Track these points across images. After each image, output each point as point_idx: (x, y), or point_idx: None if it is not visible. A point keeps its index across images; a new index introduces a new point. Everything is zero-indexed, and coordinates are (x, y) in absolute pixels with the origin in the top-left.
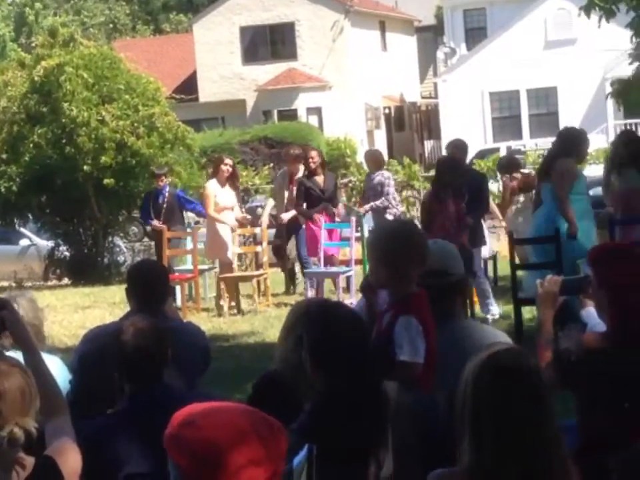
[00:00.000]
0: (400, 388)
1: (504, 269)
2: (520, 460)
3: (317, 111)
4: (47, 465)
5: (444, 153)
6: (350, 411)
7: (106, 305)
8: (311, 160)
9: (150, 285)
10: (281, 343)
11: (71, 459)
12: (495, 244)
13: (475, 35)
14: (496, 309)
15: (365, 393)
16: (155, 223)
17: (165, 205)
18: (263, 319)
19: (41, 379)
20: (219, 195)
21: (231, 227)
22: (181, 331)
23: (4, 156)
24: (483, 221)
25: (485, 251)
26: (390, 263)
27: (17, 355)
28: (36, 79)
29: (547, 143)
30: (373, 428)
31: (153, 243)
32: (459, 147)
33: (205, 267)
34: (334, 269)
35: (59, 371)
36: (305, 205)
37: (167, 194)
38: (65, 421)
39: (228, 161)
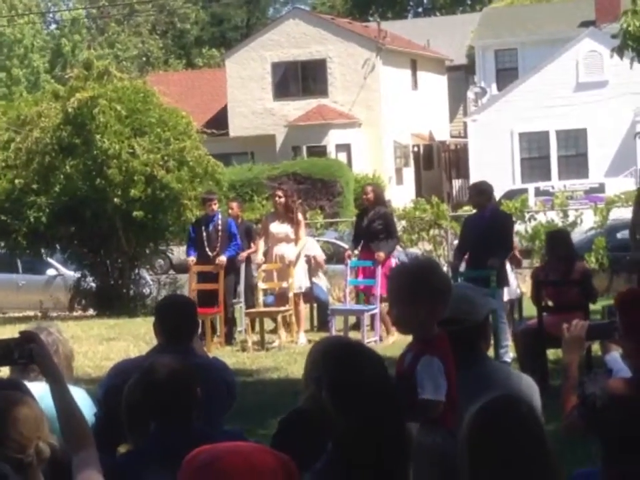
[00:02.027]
0: (421, 428)
1: (530, 310)
2: None
3: (346, 147)
4: None
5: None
6: (371, 451)
7: (131, 337)
8: (364, 195)
9: (178, 321)
10: (304, 382)
11: None
12: (520, 285)
13: (506, 75)
14: (509, 356)
15: (386, 433)
16: (192, 258)
17: (220, 233)
18: (287, 355)
19: (68, 412)
20: (273, 226)
21: (257, 263)
22: (208, 367)
23: (34, 186)
24: (507, 262)
25: (508, 292)
26: (412, 304)
27: (43, 387)
28: (69, 110)
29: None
30: (395, 468)
31: (179, 276)
32: (482, 192)
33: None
34: (358, 307)
35: (84, 403)
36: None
37: (219, 221)
38: (92, 454)
39: (279, 192)
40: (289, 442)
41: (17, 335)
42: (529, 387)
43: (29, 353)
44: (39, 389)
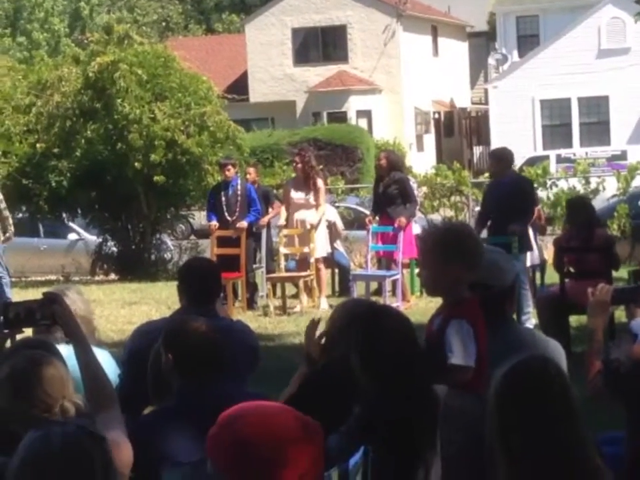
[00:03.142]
0: (449, 391)
1: (552, 277)
2: (551, 469)
3: (366, 114)
4: None
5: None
6: (399, 413)
7: (152, 302)
8: (377, 161)
9: (201, 283)
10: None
11: (123, 452)
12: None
13: (528, 41)
14: (531, 322)
15: (414, 396)
16: (213, 222)
17: (238, 198)
18: (308, 320)
19: (91, 372)
20: (293, 192)
21: (278, 226)
22: (231, 329)
23: (56, 150)
24: (530, 228)
25: (531, 258)
26: (443, 266)
27: (67, 348)
28: (90, 75)
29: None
30: (423, 431)
31: (200, 241)
32: (501, 159)
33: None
34: (380, 272)
35: (108, 364)
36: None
37: (238, 186)
38: (116, 414)
39: (296, 158)
40: (311, 402)
41: (39, 297)
42: (556, 351)
43: (52, 314)
44: (63, 351)
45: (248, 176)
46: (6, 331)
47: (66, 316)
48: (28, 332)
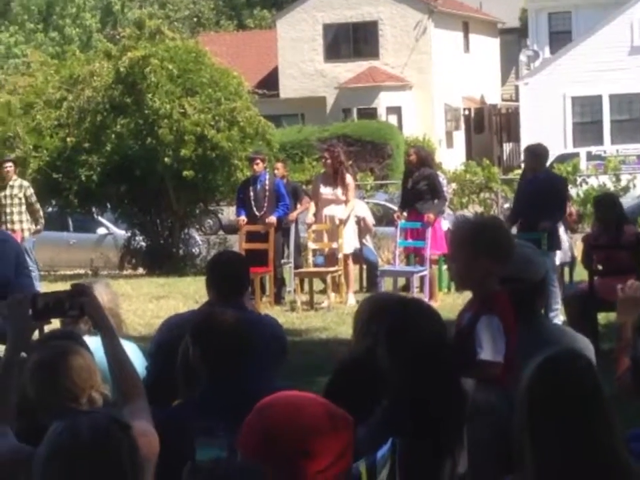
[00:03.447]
0: (477, 386)
1: (580, 275)
2: (579, 464)
3: (396, 110)
4: None
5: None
6: (427, 407)
7: (180, 296)
8: (408, 157)
9: (230, 276)
10: (354, 337)
11: (149, 442)
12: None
13: (559, 38)
14: (559, 319)
15: (442, 390)
16: (242, 217)
17: (267, 193)
18: (335, 315)
19: (119, 363)
20: (322, 188)
21: (307, 223)
22: (259, 322)
23: (86, 145)
24: (560, 225)
25: (560, 256)
26: (474, 259)
27: (94, 340)
28: (121, 69)
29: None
30: (450, 425)
31: (229, 237)
32: (538, 156)
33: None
34: (408, 268)
35: (135, 357)
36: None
37: (266, 181)
38: (143, 405)
39: (326, 154)
40: (341, 396)
41: (68, 288)
42: (585, 346)
43: (80, 306)
44: (90, 343)
45: (276, 171)
46: (34, 321)
47: (94, 307)
48: (55, 324)
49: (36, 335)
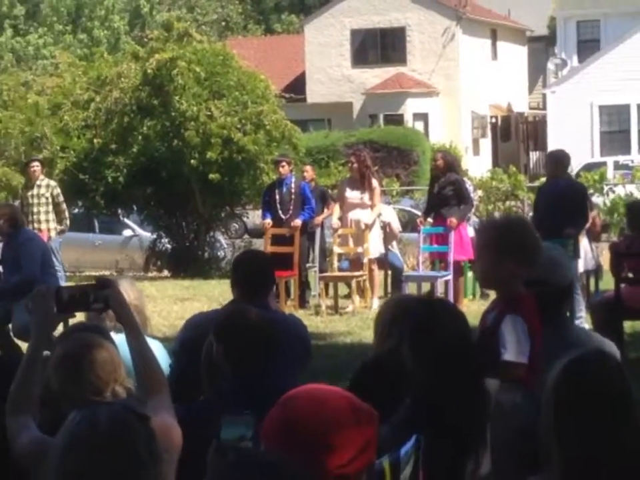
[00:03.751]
0: (501, 387)
1: (606, 284)
2: (606, 464)
3: (423, 116)
4: None
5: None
6: (450, 407)
7: (205, 299)
8: (433, 162)
9: (254, 274)
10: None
11: (172, 436)
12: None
13: (588, 47)
14: (584, 326)
15: (465, 389)
16: (267, 220)
17: (292, 196)
18: (360, 320)
19: (142, 358)
20: (348, 192)
21: (332, 227)
22: (284, 322)
23: (113, 146)
24: (584, 234)
25: (584, 264)
26: (499, 259)
27: (118, 337)
28: (149, 71)
29: None
30: (473, 424)
31: (254, 240)
32: (560, 162)
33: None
34: (432, 273)
35: (159, 354)
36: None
37: (292, 184)
38: (166, 399)
39: (352, 158)
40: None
41: (93, 282)
42: (612, 351)
43: (105, 299)
44: (117, 340)
45: (305, 174)
46: (58, 314)
47: (118, 300)
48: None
49: (60, 329)
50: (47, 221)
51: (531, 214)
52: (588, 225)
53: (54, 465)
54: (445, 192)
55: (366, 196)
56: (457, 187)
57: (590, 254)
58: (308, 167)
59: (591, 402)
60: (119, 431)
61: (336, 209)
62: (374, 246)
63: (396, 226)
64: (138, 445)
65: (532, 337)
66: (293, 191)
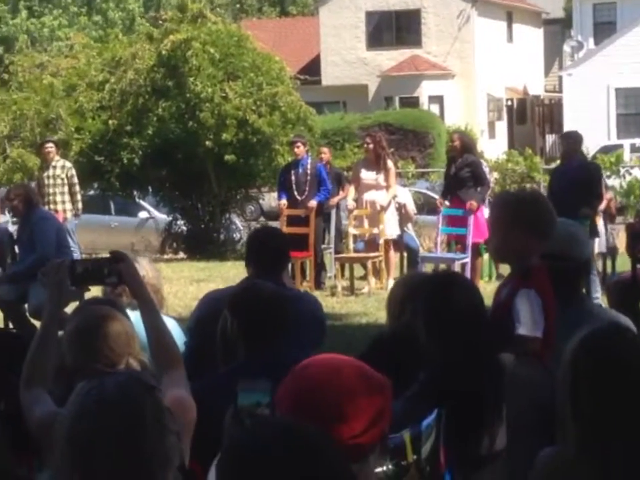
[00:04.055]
0: (516, 361)
1: (622, 266)
2: (623, 436)
3: (438, 99)
4: None
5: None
6: (465, 381)
7: (220, 280)
8: (450, 143)
9: (270, 251)
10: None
11: (187, 410)
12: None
13: (604, 29)
14: None
15: (480, 364)
16: (283, 201)
17: (308, 177)
18: (375, 301)
19: (157, 332)
20: (363, 173)
21: (347, 208)
22: (299, 299)
23: (128, 128)
24: (600, 215)
25: (599, 245)
26: (511, 232)
27: (133, 314)
28: (163, 52)
29: None
30: (487, 398)
31: (270, 223)
32: (575, 139)
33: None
34: (449, 255)
35: (174, 332)
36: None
37: (308, 165)
38: (181, 374)
39: (368, 139)
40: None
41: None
42: (629, 325)
43: (118, 273)
44: (131, 317)
45: (322, 155)
46: (72, 287)
47: (132, 275)
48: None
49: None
50: (63, 202)
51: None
52: (603, 207)
53: (63, 434)
54: (462, 174)
55: (381, 177)
56: (474, 168)
57: (604, 236)
58: (325, 149)
59: (608, 373)
60: (126, 400)
61: (351, 191)
62: (389, 227)
63: (411, 208)
64: (145, 414)
65: (546, 310)
66: (308, 172)
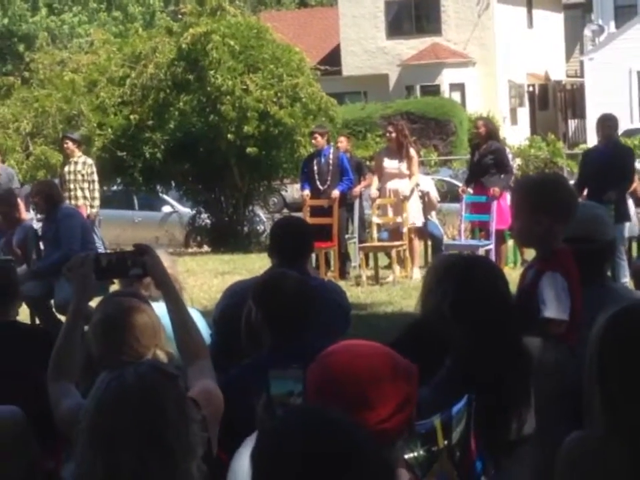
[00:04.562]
0: (543, 344)
1: None
2: None
3: (460, 87)
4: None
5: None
6: (491, 366)
7: (245, 272)
8: (475, 129)
9: (294, 240)
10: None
11: (213, 400)
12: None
13: (625, 12)
14: None
15: (506, 348)
16: (306, 192)
17: (330, 167)
18: (401, 290)
19: (182, 323)
20: (385, 162)
21: (371, 197)
22: (324, 288)
23: (149, 123)
24: (627, 197)
25: (629, 229)
26: (534, 216)
27: (155, 306)
28: (183, 46)
29: None
30: (515, 383)
31: (293, 214)
32: (611, 119)
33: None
34: (473, 242)
35: (200, 324)
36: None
37: (330, 155)
38: (207, 365)
39: (390, 128)
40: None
41: (130, 249)
42: None
43: (143, 265)
44: (155, 309)
45: (339, 144)
46: (97, 280)
47: (157, 266)
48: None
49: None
50: (85, 197)
51: (571, 182)
52: (630, 190)
53: (85, 425)
54: (486, 160)
55: (404, 165)
56: (498, 155)
57: (634, 220)
58: (342, 138)
59: (636, 353)
60: (146, 390)
61: (374, 180)
62: (413, 215)
63: (434, 195)
64: (167, 403)
65: (572, 293)
66: (331, 161)
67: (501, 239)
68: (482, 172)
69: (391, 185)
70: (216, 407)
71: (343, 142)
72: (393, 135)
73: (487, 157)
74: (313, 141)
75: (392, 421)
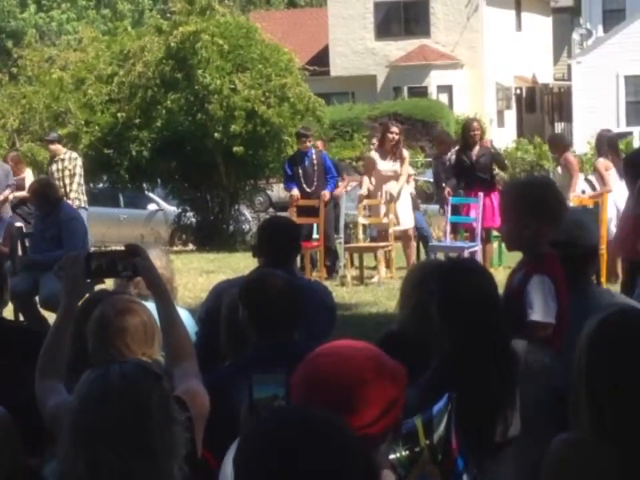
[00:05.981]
0: (529, 347)
1: None
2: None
3: (447, 89)
4: (177, 404)
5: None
6: (477, 368)
7: (230, 271)
8: (472, 132)
9: (280, 240)
10: (405, 300)
11: (199, 401)
12: None
13: (613, 16)
14: None
15: (493, 351)
16: (295, 191)
17: (315, 168)
18: (386, 290)
19: (171, 324)
20: (381, 164)
21: (360, 195)
22: (309, 288)
23: (137, 121)
24: None
25: None
26: (523, 219)
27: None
28: (172, 45)
29: None
30: (501, 386)
31: (279, 214)
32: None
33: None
34: (458, 244)
35: (187, 322)
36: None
37: (313, 156)
38: (193, 365)
39: (394, 129)
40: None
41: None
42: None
43: (134, 266)
44: None
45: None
46: (88, 280)
47: (148, 267)
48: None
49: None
50: (75, 191)
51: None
52: None
53: (69, 421)
54: (483, 160)
55: (398, 166)
56: (495, 152)
57: None
58: (319, 143)
59: (626, 355)
60: (130, 388)
61: (364, 180)
62: (405, 218)
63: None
64: (150, 402)
65: (559, 297)
66: (315, 162)
67: (487, 237)
68: (480, 171)
69: (387, 187)
70: (202, 407)
71: (319, 147)
72: (397, 137)
73: (483, 157)
74: (307, 144)
75: (376, 425)
